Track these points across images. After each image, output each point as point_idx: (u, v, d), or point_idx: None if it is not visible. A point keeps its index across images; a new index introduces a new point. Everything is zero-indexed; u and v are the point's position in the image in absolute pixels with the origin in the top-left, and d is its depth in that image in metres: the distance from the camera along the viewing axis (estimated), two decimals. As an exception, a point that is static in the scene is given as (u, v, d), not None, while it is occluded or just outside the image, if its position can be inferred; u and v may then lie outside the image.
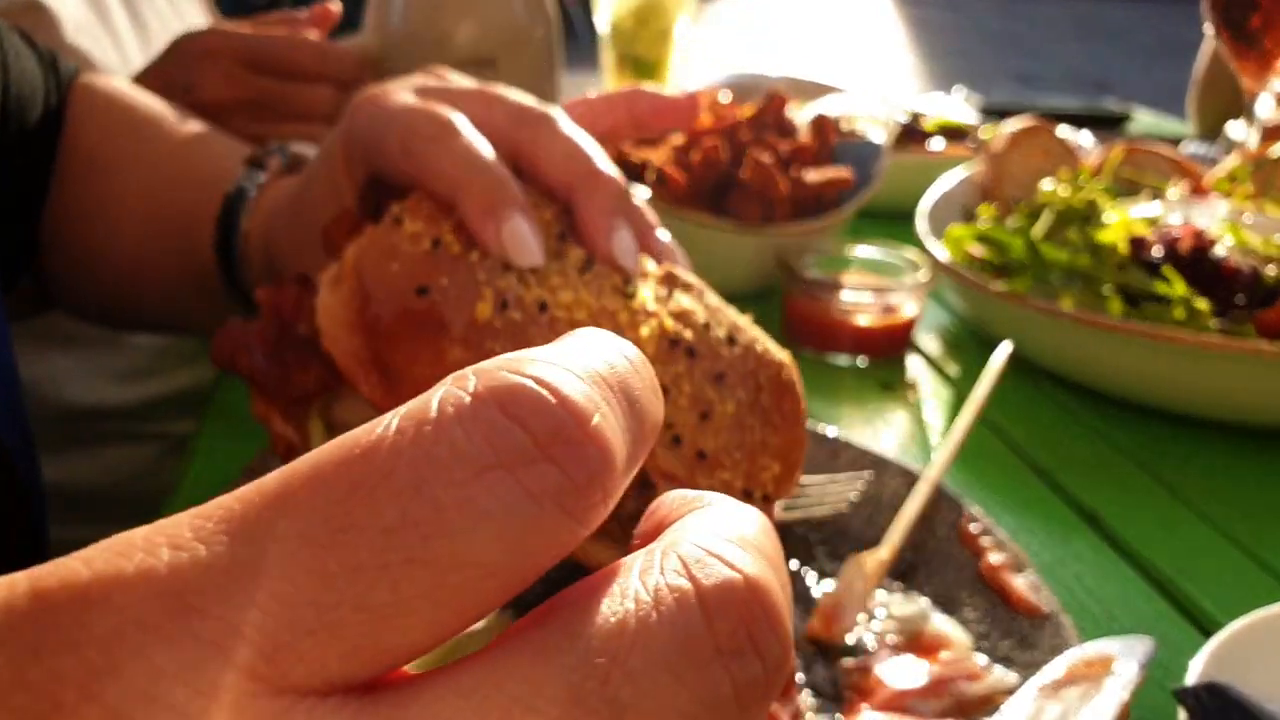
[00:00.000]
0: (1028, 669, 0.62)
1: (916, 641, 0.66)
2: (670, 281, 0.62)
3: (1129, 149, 1.38)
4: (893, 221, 1.59)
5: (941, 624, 0.67)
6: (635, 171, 1.27)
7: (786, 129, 1.32)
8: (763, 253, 1.22)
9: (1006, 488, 0.91)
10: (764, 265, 1.23)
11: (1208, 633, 0.72)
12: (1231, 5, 1.37)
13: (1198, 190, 1.23)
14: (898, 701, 0.60)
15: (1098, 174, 1.36)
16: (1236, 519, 0.87)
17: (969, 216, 1.35)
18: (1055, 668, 0.60)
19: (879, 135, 1.43)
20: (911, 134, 1.72)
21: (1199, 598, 0.77)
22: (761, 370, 0.62)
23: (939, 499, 0.75)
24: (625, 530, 0.59)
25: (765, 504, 0.59)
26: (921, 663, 0.64)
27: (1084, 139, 1.86)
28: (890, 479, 0.78)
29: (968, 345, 1.22)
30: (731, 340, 0.60)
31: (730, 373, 0.59)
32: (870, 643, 0.66)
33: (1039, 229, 1.19)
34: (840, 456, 0.81)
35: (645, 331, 0.57)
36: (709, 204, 1.22)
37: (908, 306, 1.14)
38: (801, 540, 0.77)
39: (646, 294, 0.59)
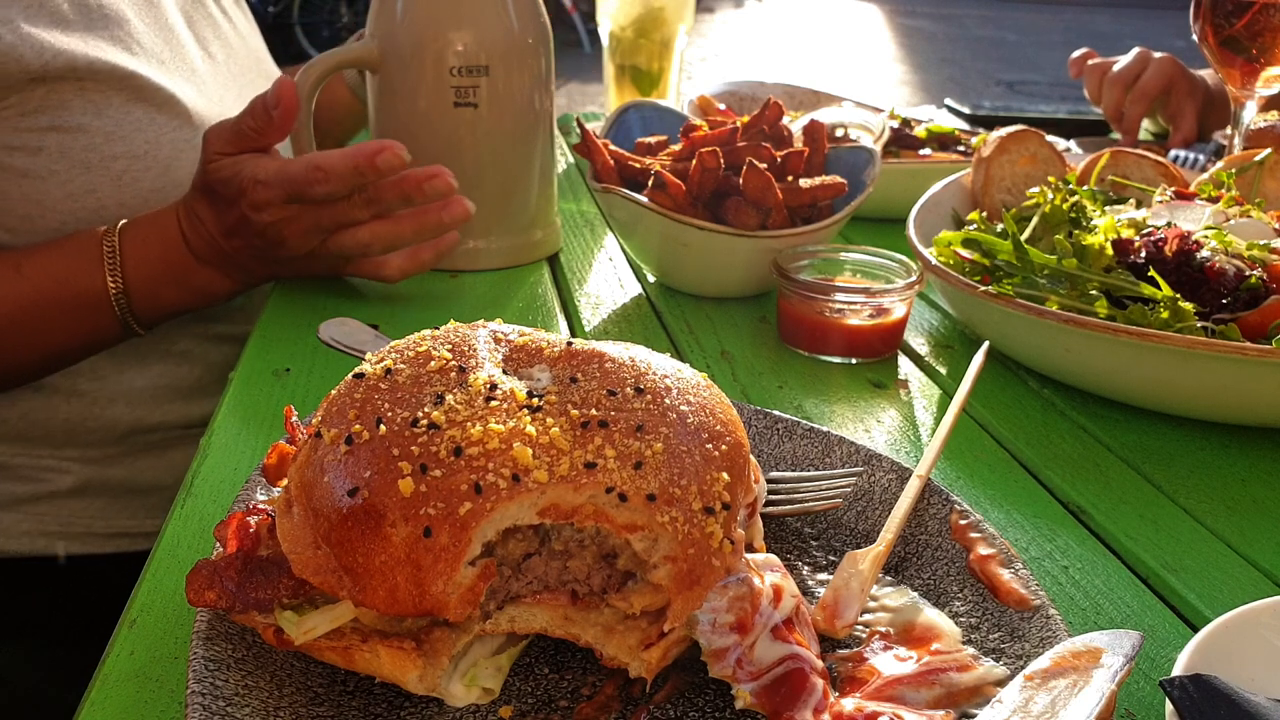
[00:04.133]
0: (1017, 660, 0.63)
1: (908, 633, 0.67)
2: (569, 359, 0.67)
3: (1115, 154, 1.40)
4: (884, 226, 1.61)
5: (932, 616, 0.68)
6: (635, 176, 1.29)
7: (781, 137, 1.34)
8: (759, 257, 1.24)
9: (996, 483, 0.93)
10: (761, 269, 1.25)
11: (1194, 626, 0.74)
12: (1217, 12, 1.38)
13: (1183, 195, 1.25)
14: (889, 690, 0.61)
15: (1085, 179, 1.38)
16: (1222, 515, 0.89)
17: (958, 222, 1.37)
18: (1044, 659, 0.61)
19: (871, 142, 1.45)
20: (903, 141, 1.75)
21: (1185, 592, 0.78)
22: (681, 398, 0.65)
23: (929, 494, 0.77)
24: (601, 604, 0.62)
25: (728, 513, 0.62)
26: (912, 653, 0.65)
27: (1072, 144, 1.88)
28: (882, 474, 0.80)
29: (956, 345, 1.23)
30: (639, 390, 0.64)
31: (648, 419, 0.63)
32: (862, 634, 0.67)
33: (1027, 233, 1.20)
34: (833, 453, 0.82)
35: (556, 430, 0.61)
36: (707, 211, 1.25)
37: (898, 308, 1.15)
38: (796, 534, 0.78)
39: (552, 396, 0.63)
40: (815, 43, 12.38)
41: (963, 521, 0.73)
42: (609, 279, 1.41)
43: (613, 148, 1.32)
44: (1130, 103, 1.99)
